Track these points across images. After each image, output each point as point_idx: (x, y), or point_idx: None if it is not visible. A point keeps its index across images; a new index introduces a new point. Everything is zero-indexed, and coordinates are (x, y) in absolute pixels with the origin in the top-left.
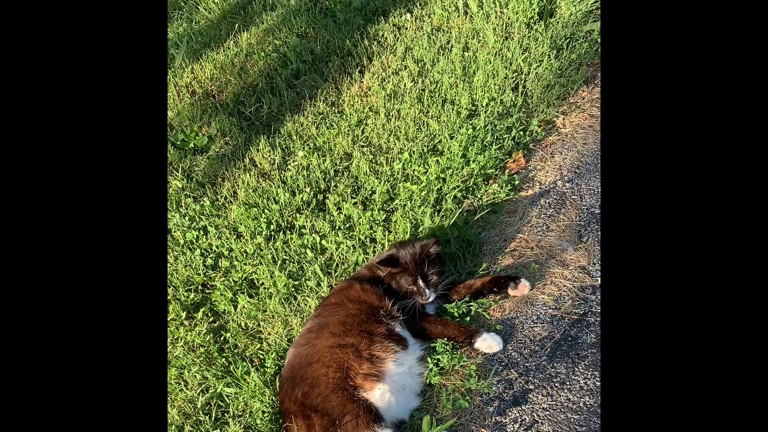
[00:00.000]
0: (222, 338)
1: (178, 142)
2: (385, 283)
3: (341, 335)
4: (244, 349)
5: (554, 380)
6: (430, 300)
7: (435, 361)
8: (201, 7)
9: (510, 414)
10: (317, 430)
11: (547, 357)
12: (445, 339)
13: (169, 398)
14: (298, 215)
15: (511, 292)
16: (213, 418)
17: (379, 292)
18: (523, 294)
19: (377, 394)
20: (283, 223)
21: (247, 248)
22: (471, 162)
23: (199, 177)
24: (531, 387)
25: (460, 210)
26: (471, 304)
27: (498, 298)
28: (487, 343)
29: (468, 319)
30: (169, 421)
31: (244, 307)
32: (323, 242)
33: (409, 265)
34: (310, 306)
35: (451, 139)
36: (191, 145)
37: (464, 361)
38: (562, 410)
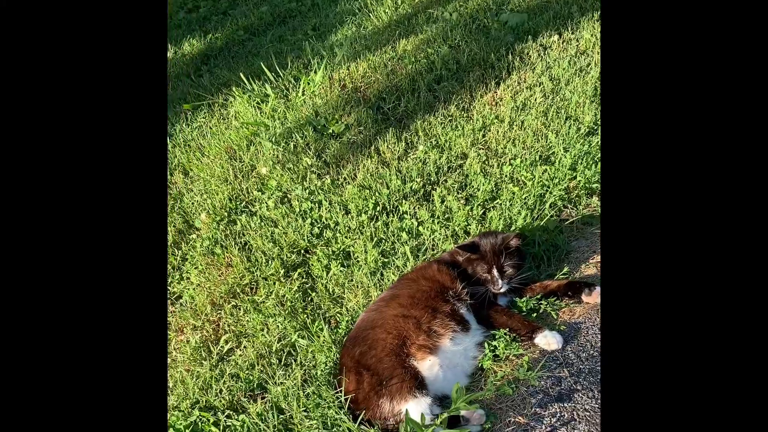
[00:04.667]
0: (309, 298)
1: (319, 127)
2: (462, 267)
3: (408, 307)
4: (326, 311)
5: None
6: (502, 290)
7: (492, 348)
8: (372, 15)
9: (551, 408)
10: (365, 386)
11: None
12: (508, 330)
13: (250, 341)
14: (404, 201)
15: (584, 298)
16: (282, 362)
17: (454, 274)
18: (596, 302)
19: (426, 365)
20: (388, 207)
21: (351, 224)
22: (578, 175)
23: (328, 158)
24: (579, 387)
25: (551, 214)
26: (542, 302)
27: (571, 302)
28: (547, 340)
29: (534, 315)
30: (245, 359)
31: (334, 273)
32: (420, 228)
33: (488, 253)
34: (391, 282)
35: (565, 151)
36: (330, 130)
37: (519, 352)
38: None
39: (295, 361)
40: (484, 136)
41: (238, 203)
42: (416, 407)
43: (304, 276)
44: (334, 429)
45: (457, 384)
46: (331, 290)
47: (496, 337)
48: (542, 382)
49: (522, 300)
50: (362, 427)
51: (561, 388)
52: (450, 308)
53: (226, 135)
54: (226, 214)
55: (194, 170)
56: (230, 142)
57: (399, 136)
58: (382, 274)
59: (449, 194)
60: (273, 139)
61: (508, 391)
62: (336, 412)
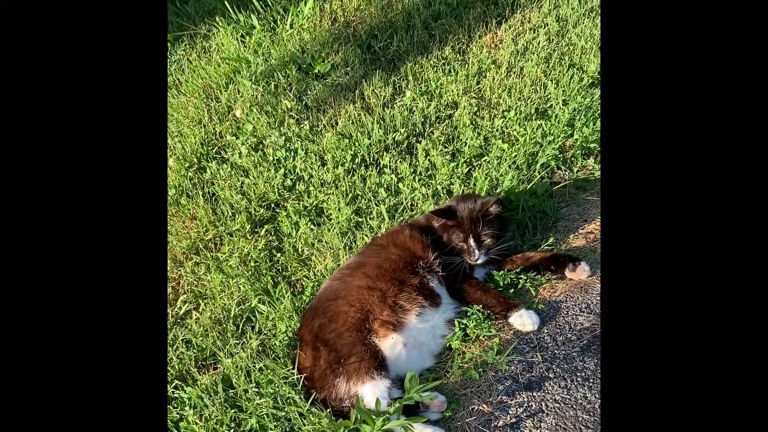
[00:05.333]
0: (275, 258)
1: (305, 66)
2: (437, 234)
3: (373, 278)
4: (292, 274)
5: (578, 374)
6: (479, 262)
7: (462, 326)
8: None
9: (518, 397)
10: (321, 363)
11: (579, 349)
12: (481, 306)
13: (209, 304)
14: (385, 154)
15: (568, 273)
16: (240, 329)
17: (427, 242)
18: (580, 278)
19: (389, 343)
20: (368, 159)
21: (326, 177)
22: (576, 132)
23: (309, 101)
24: (551, 375)
25: (542, 176)
26: (521, 276)
27: (553, 277)
28: (522, 320)
29: (512, 291)
30: (201, 324)
31: (303, 232)
32: (400, 184)
33: (465, 220)
34: (364, 244)
35: (564, 104)
36: (315, 70)
37: (491, 332)
38: (574, 407)
39: (253, 328)
40: (478, 83)
41: (209, 148)
42: (373, 390)
43: (272, 233)
44: (286, 409)
45: (411, 372)
46: (300, 250)
47: (468, 314)
48: (512, 367)
49: (499, 273)
50: (313, 409)
51: (532, 375)
52: (419, 281)
53: (205, 71)
54: (196, 160)
55: (172, 108)
56: (208, 79)
57: (387, 79)
58: (354, 235)
59: (434, 148)
60: (253, 78)
61: (475, 376)
62: (288, 391)
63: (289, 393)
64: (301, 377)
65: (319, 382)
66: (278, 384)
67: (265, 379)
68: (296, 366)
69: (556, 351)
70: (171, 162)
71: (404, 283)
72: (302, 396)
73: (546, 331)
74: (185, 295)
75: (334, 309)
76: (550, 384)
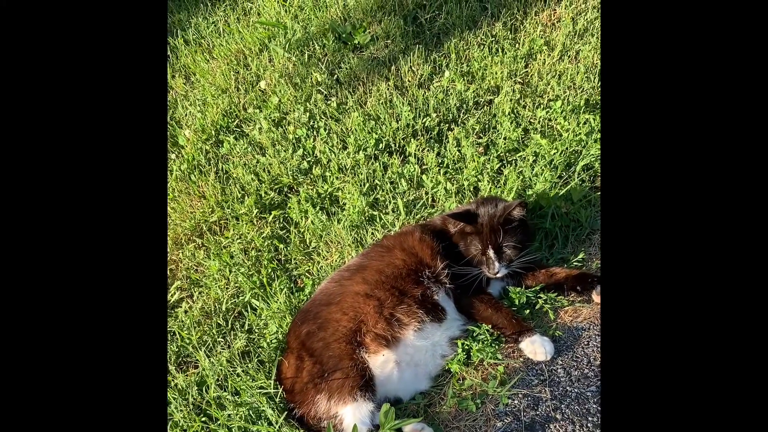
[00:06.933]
0: (280, 248)
1: (344, 35)
2: (453, 241)
3: (373, 285)
4: (295, 267)
5: (589, 419)
6: (498, 275)
7: (466, 348)
8: None
9: None
10: (303, 375)
11: (596, 389)
12: (491, 326)
13: (202, 293)
14: (412, 140)
15: (595, 297)
16: (228, 324)
17: (437, 248)
18: None
19: (378, 361)
20: (393, 145)
21: (346, 162)
22: None
23: (341, 75)
24: (558, 417)
25: (582, 180)
26: (541, 295)
27: (578, 299)
28: (534, 348)
29: (527, 312)
30: (190, 316)
31: (312, 222)
32: (423, 176)
33: (484, 227)
34: (375, 240)
35: None
36: (355, 41)
37: (496, 359)
38: None
39: (243, 327)
40: (526, 66)
41: (230, 120)
42: (354, 413)
43: (280, 220)
44: (259, 423)
45: (386, 405)
46: (308, 241)
47: (474, 334)
48: (515, 402)
49: (516, 290)
50: (285, 429)
51: (536, 413)
52: (422, 292)
53: (241, 35)
54: (214, 132)
55: (198, 74)
56: (242, 44)
57: (427, 56)
58: (366, 231)
59: (466, 138)
60: (287, 46)
61: (471, 408)
62: (264, 403)
63: (263, 407)
64: (280, 389)
65: (299, 396)
66: (254, 394)
67: (243, 385)
68: (278, 375)
69: (568, 388)
70: (188, 133)
71: (405, 293)
72: (278, 411)
73: (560, 362)
74: (180, 281)
75: (326, 315)
76: (555, 427)
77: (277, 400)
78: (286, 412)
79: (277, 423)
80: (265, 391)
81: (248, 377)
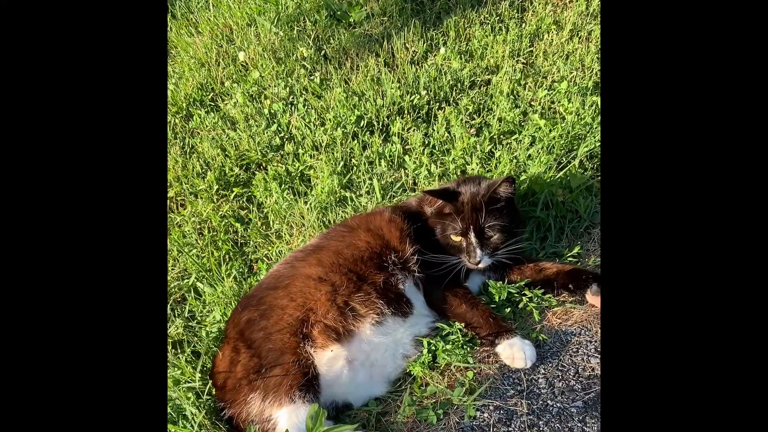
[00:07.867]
0: (240, 229)
1: (339, 12)
2: (429, 225)
3: (327, 267)
4: (254, 250)
5: None
6: (480, 265)
7: (433, 348)
8: None
9: None
10: (237, 370)
11: (582, 404)
12: (464, 324)
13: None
14: (397, 118)
15: (589, 297)
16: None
17: (408, 230)
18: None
19: (325, 357)
20: (376, 123)
21: (322, 139)
22: None
23: (329, 51)
24: None
25: (585, 167)
26: (526, 292)
27: (570, 299)
28: (512, 352)
29: (509, 310)
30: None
31: (276, 201)
32: (405, 157)
33: (465, 206)
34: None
35: None
36: (350, 19)
37: (466, 362)
38: None
39: (182, 313)
40: (531, 45)
41: (204, 94)
42: (290, 417)
43: (243, 199)
44: (179, 424)
45: (315, 406)
46: (271, 222)
47: (444, 333)
48: (485, 415)
49: (497, 284)
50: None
51: (508, 429)
52: (384, 278)
53: (230, 10)
54: (185, 105)
55: (179, 47)
56: (231, 18)
57: (424, 33)
58: (336, 213)
59: (457, 118)
60: (276, 21)
61: (432, 419)
62: (186, 399)
63: (183, 404)
64: (208, 384)
65: (231, 394)
66: (181, 390)
67: (171, 381)
68: (210, 369)
69: (549, 401)
70: None
71: (364, 279)
72: (204, 409)
73: (542, 371)
74: None
75: (270, 301)
76: None
77: (205, 397)
78: (205, 411)
79: (195, 422)
80: (189, 385)
81: (176, 370)
